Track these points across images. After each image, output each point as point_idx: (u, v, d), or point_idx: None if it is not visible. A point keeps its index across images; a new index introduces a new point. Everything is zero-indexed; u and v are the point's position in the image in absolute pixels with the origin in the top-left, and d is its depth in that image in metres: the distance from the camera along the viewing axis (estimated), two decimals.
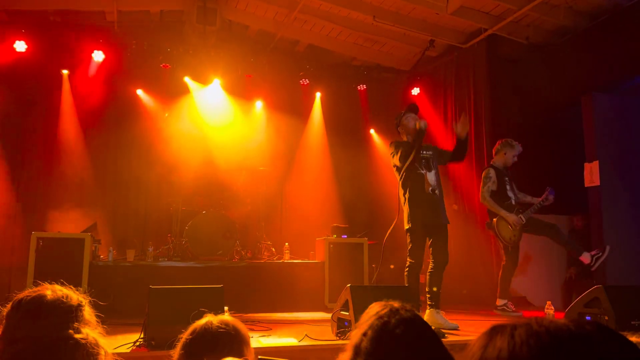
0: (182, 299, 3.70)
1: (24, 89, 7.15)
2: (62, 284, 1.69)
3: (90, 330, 1.56)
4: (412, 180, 4.85)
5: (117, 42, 7.62)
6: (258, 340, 3.76)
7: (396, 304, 1.43)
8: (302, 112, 8.62)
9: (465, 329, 4.58)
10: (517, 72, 7.74)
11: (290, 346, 3.65)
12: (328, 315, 5.06)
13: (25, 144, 6.69)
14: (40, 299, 1.54)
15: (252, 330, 4.25)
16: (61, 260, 5.47)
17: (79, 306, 1.58)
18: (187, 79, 7.96)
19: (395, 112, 8.70)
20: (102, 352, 1.55)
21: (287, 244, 7.01)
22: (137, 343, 3.49)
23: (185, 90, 8.03)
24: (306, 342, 3.77)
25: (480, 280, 7.32)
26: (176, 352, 1.76)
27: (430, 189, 4.81)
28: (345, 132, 8.58)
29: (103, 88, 7.50)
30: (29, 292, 1.59)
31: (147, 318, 3.54)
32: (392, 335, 1.32)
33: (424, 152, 4.92)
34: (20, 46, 7.04)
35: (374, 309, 1.42)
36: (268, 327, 4.62)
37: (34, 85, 7.24)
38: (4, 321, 1.57)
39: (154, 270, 6.02)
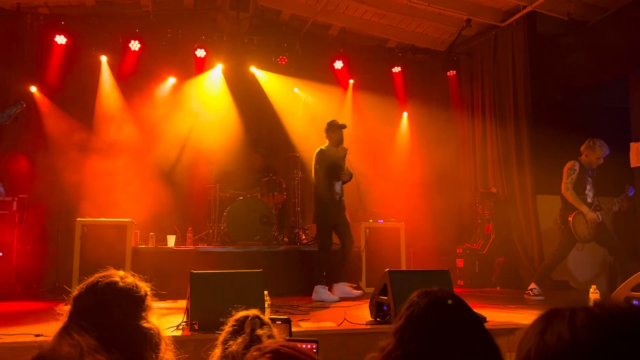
0: (223, 283, 3.76)
1: (65, 80, 7.33)
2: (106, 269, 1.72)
3: (155, 319, 1.60)
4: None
5: (152, 31, 7.71)
6: (298, 324, 3.79)
7: (434, 289, 1.41)
8: (336, 96, 8.56)
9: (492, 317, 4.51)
10: (558, 50, 7.49)
11: (329, 330, 3.68)
12: (365, 300, 5.08)
13: (67, 133, 6.88)
14: (114, 286, 1.56)
15: (290, 314, 4.29)
16: (105, 246, 5.64)
17: (146, 295, 1.62)
18: (219, 66, 7.99)
19: (432, 94, 8.64)
20: (164, 343, 1.59)
21: None
22: (181, 326, 3.58)
23: (220, 79, 8.07)
24: (345, 326, 3.78)
25: (518, 263, 7.20)
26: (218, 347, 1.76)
27: (338, 196, 5.76)
28: (379, 114, 8.48)
29: (140, 77, 7.63)
30: (98, 277, 1.61)
31: (189, 302, 3.62)
32: (428, 319, 1.31)
33: (345, 165, 5.84)
34: (60, 39, 7.21)
35: (412, 295, 1.41)
36: (306, 310, 4.66)
37: (74, 76, 7.41)
38: (72, 304, 1.60)
39: (193, 255, 6.14)
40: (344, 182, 5.95)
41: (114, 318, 1.49)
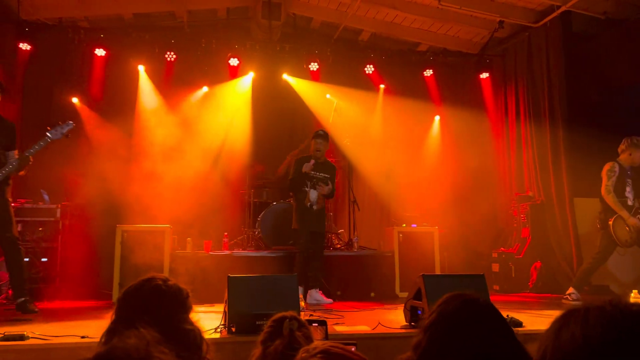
0: (259, 287, 3.82)
1: (105, 90, 7.59)
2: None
3: (196, 320, 1.67)
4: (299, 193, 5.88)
5: (187, 41, 7.90)
6: (332, 327, 3.83)
7: (466, 293, 1.42)
8: (367, 101, 8.58)
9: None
10: (594, 50, 7.34)
11: (364, 333, 3.70)
12: (399, 304, 5.08)
13: (107, 141, 7.11)
14: (157, 289, 1.64)
15: (325, 317, 4.33)
16: (144, 251, 5.80)
17: (187, 297, 1.69)
18: (251, 74, 8.12)
19: (464, 97, 8.56)
20: (205, 344, 1.66)
21: (356, 233, 7.06)
22: (219, 329, 3.66)
23: (253, 87, 8.19)
24: (380, 330, 3.80)
25: (555, 267, 7.07)
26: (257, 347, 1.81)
27: (309, 204, 5.79)
28: (411, 118, 8.45)
29: (176, 87, 7.82)
30: (142, 280, 1.69)
31: (226, 305, 3.70)
32: (459, 317, 1.33)
33: (319, 174, 5.88)
34: (100, 52, 7.47)
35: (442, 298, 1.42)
36: (340, 314, 4.69)
37: (113, 87, 7.66)
38: (117, 306, 1.68)
39: (229, 260, 6.25)
40: (327, 196, 5.99)
41: (158, 319, 1.56)
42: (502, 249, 7.52)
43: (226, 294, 3.75)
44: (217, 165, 7.67)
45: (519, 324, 3.85)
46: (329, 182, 5.92)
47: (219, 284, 5.14)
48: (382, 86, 8.62)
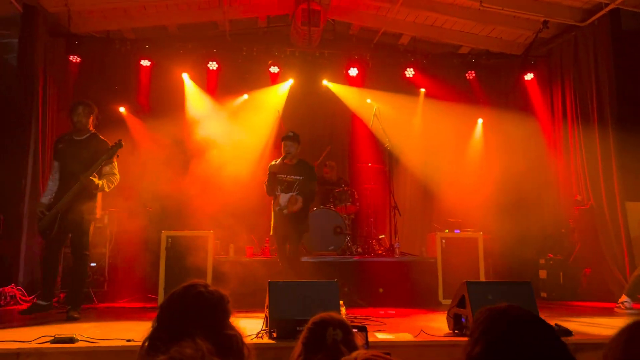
0: (300, 293, 3.83)
1: (151, 99, 7.83)
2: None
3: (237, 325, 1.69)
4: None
5: (229, 50, 8.04)
6: (373, 334, 3.79)
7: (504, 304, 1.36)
8: (407, 105, 8.50)
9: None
10: None
11: (406, 341, 3.65)
12: (441, 311, 4.99)
13: (153, 149, 7.30)
14: (199, 295, 1.68)
15: (365, 323, 4.29)
16: (188, 256, 5.91)
17: (228, 302, 1.72)
18: (290, 80, 8.19)
19: (508, 99, 8.35)
20: (246, 349, 1.67)
21: (397, 239, 6.99)
22: (260, 334, 3.69)
23: (292, 93, 8.26)
24: (423, 338, 3.74)
25: (606, 274, 6.79)
26: (297, 347, 1.81)
27: (278, 208, 5.62)
28: (452, 122, 8.32)
29: (218, 95, 7.98)
30: (184, 287, 1.73)
31: (268, 310, 3.72)
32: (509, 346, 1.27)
33: (289, 177, 5.68)
34: (145, 62, 7.70)
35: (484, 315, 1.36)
36: (382, 321, 4.65)
37: (159, 96, 7.88)
38: (160, 312, 1.72)
39: (270, 265, 6.29)
40: (307, 200, 5.73)
41: (201, 325, 1.58)
42: (550, 255, 7.27)
43: (267, 300, 3.78)
44: (258, 172, 7.75)
45: (568, 333, 3.71)
46: (301, 185, 5.63)
47: (259, 289, 5.20)
48: (422, 90, 8.53)
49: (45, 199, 4.93)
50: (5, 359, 3.15)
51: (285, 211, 5.60)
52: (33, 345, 3.23)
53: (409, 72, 8.27)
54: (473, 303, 3.73)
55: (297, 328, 3.61)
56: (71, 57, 7.39)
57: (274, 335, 3.59)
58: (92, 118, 5.08)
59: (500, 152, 8.05)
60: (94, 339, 3.43)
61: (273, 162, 5.76)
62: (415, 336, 3.78)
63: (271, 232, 5.82)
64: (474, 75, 8.39)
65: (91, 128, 5.09)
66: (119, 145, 4.91)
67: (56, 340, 3.32)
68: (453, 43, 8.70)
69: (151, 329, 1.72)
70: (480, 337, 1.27)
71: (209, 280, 5.74)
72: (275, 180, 5.64)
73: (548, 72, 8.17)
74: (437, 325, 4.35)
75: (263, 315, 3.91)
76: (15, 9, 6.72)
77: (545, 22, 7.30)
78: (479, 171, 8.12)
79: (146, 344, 1.67)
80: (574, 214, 7.24)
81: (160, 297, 5.80)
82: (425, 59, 8.39)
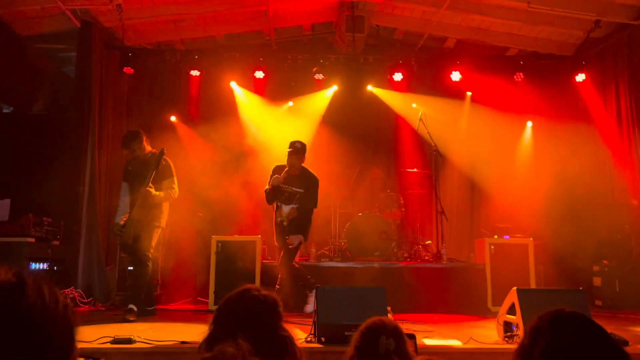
0: (348, 298, 3.87)
1: (201, 108, 8.07)
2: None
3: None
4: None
5: (274, 58, 8.19)
6: (421, 340, 3.78)
7: (565, 309, 1.36)
8: (453, 109, 8.42)
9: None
10: None
11: (455, 347, 3.62)
12: (489, 319, 4.92)
13: (203, 157, 7.52)
14: (252, 298, 1.75)
15: (414, 330, 4.28)
16: (237, 261, 6.05)
17: (279, 305, 1.78)
18: (334, 87, 8.25)
19: (559, 101, 8.11)
20: (298, 351, 1.73)
21: (444, 245, 6.92)
22: (308, 339, 3.74)
23: (337, 99, 8.32)
24: (472, 345, 3.70)
25: None
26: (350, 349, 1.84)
27: (279, 219, 5.54)
28: (500, 125, 8.16)
29: (265, 103, 8.14)
30: (238, 291, 1.81)
31: (316, 315, 3.77)
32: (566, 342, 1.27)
33: (291, 188, 5.54)
34: (194, 72, 7.95)
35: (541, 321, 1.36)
36: (430, 328, 4.62)
37: (208, 105, 8.12)
38: (216, 314, 1.80)
39: (316, 270, 6.35)
40: (308, 209, 5.66)
41: (257, 327, 1.65)
42: (605, 261, 7.02)
43: (315, 305, 3.83)
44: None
45: (625, 342, 3.59)
46: (301, 199, 5.55)
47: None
48: (468, 93, 8.42)
49: (119, 218, 5.33)
50: None
51: (285, 223, 5.58)
52: (95, 345, 3.39)
53: (455, 76, 8.17)
54: (524, 310, 3.66)
55: (345, 333, 3.66)
56: (125, 69, 7.71)
57: (322, 339, 3.63)
58: (144, 142, 5.44)
59: (551, 156, 7.84)
60: (150, 340, 3.57)
61: (275, 167, 5.71)
62: (465, 343, 3.74)
63: (275, 243, 5.89)
64: (522, 77, 8.20)
65: (148, 149, 5.45)
66: (162, 153, 5.25)
67: (116, 341, 3.47)
68: (500, 45, 8.55)
69: (208, 331, 1.80)
70: (539, 340, 1.28)
71: (257, 284, 5.85)
72: (277, 192, 5.57)
73: (600, 73, 7.90)
74: (486, 332, 4.29)
75: (310, 320, 3.96)
76: (74, 25, 7.07)
77: (597, 22, 7.08)
78: (528, 175, 7.94)
79: (203, 345, 1.75)
80: (630, 218, 6.96)
81: (211, 301, 5.95)
82: (472, 62, 8.27)
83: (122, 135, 5.69)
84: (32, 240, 5.99)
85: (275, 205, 5.79)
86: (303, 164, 5.67)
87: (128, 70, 7.66)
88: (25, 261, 5.72)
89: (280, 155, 5.92)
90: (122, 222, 5.21)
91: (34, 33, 7.27)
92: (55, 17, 7.04)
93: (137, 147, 5.39)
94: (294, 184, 5.59)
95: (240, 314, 1.72)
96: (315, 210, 6.90)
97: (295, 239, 5.51)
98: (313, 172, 5.76)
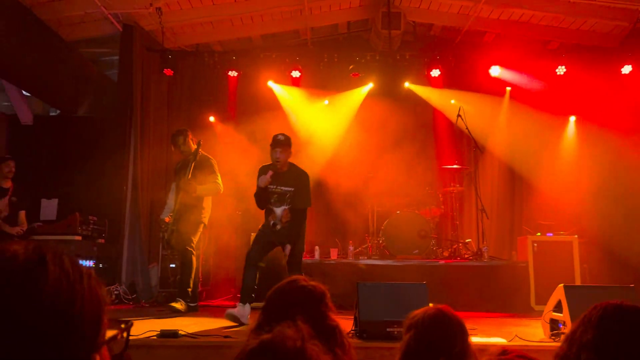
0: (388, 295, 3.85)
1: (238, 108, 8.18)
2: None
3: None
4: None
5: (310, 57, 8.21)
6: None
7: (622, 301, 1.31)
8: (493, 104, 8.25)
9: None
10: None
11: (500, 345, 3.55)
12: (534, 317, 4.81)
13: (242, 157, 7.61)
14: (298, 288, 1.77)
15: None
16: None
17: (326, 295, 1.80)
18: (370, 84, 8.22)
19: (604, 94, 7.84)
20: (347, 341, 1.73)
21: (485, 243, 6.80)
22: (350, 334, 3.74)
23: (373, 96, 8.28)
24: (517, 342, 3.63)
25: None
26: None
27: (272, 222, 4.84)
28: (542, 120, 7.94)
29: (302, 102, 8.18)
30: (285, 281, 1.83)
31: (357, 311, 3.77)
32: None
33: (279, 188, 4.86)
34: (232, 73, 8.05)
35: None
36: (473, 326, 4.54)
37: (246, 105, 8.22)
38: (265, 304, 1.82)
39: (355, 268, 6.35)
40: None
41: (307, 315, 1.66)
42: None
43: (356, 300, 3.83)
44: (341, 176, 7.84)
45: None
46: (293, 197, 4.86)
47: (344, 291, 5.25)
48: (508, 88, 8.24)
49: (164, 214, 5.52)
50: None
51: (279, 226, 4.85)
52: (141, 337, 3.48)
53: (494, 71, 8.01)
54: (571, 308, 3.57)
55: (387, 329, 3.65)
56: (165, 71, 7.87)
57: (364, 335, 3.63)
58: (188, 138, 5.59)
59: (596, 150, 7.59)
60: (195, 334, 3.64)
61: (262, 167, 4.98)
62: (509, 341, 3.67)
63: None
64: (564, 70, 7.97)
65: (193, 147, 5.55)
66: (198, 145, 5.42)
67: (162, 335, 3.55)
68: (541, 39, 8.34)
69: (257, 320, 1.82)
70: (590, 328, 1.25)
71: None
72: (265, 194, 4.88)
73: None
74: (531, 330, 4.20)
75: (351, 316, 3.96)
76: (116, 29, 7.27)
77: None
78: (572, 171, 7.70)
79: (252, 334, 1.78)
80: None
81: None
82: (512, 57, 8.09)
83: (163, 136, 5.87)
84: (79, 238, 6.20)
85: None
86: (290, 160, 5.00)
87: (168, 72, 7.80)
88: None
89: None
90: (167, 219, 5.36)
91: (78, 38, 7.51)
92: (98, 22, 7.26)
93: (182, 142, 5.54)
94: (283, 183, 4.90)
95: (289, 304, 1.73)
96: (352, 208, 6.83)
97: (287, 249, 4.86)
98: (301, 168, 5.10)
